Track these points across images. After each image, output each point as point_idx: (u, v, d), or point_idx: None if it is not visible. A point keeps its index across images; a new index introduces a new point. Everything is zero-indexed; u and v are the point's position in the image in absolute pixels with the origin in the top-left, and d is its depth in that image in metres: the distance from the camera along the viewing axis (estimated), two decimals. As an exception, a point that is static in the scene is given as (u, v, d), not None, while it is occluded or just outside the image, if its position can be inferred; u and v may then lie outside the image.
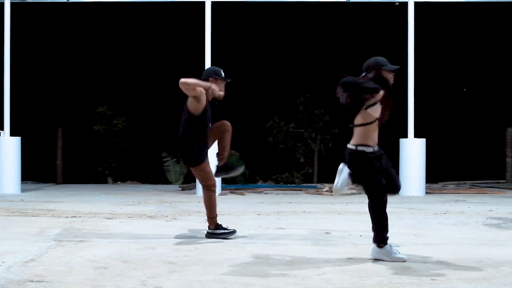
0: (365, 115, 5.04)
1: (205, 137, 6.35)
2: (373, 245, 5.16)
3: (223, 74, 6.45)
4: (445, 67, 18.51)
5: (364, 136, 5.05)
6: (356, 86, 4.95)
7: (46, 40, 18.40)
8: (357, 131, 5.09)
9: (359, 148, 5.06)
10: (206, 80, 6.36)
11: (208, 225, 6.44)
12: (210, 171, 6.39)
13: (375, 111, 5.05)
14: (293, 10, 17.18)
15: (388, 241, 5.14)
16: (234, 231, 6.39)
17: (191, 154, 6.28)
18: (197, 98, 6.18)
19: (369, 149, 5.05)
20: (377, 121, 5.11)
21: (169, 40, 18.20)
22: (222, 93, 6.40)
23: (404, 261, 5.04)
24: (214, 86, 6.27)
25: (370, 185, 5.09)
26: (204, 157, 6.32)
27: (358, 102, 5.02)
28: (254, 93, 17.88)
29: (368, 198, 5.15)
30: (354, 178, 5.21)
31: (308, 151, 17.30)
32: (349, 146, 5.14)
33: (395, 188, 5.26)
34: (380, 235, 5.12)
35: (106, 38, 18.62)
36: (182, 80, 6.04)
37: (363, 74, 5.16)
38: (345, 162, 5.24)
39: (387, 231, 5.13)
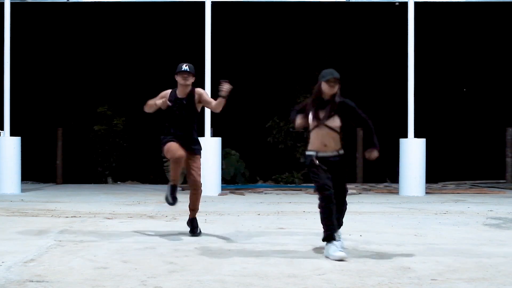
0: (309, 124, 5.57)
1: (171, 127, 6.68)
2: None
3: (182, 67, 6.69)
4: (445, 67, 18.50)
5: (310, 141, 5.55)
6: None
7: (46, 40, 18.39)
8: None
9: (306, 152, 5.59)
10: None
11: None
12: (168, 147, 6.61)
13: (312, 121, 5.51)
14: (293, 10, 17.17)
15: (335, 240, 5.33)
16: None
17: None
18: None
19: (310, 153, 5.52)
20: (317, 128, 5.45)
21: (169, 40, 18.19)
22: (160, 102, 6.66)
23: (342, 260, 5.12)
24: (158, 101, 6.66)
25: (315, 186, 5.49)
26: (165, 141, 6.66)
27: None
28: (254, 93, 17.88)
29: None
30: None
31: (308, 151, 17.29)
32: None
33: (341, 202, 5.53)
34: (324, 233, 5.41)
35: (106, 38, 18.61)
36: (145, 108, 6.83)
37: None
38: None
39: (332, 231, 5.35)
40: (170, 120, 6.70)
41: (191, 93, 6.71)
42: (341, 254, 5.18)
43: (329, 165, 5.45)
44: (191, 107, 6.70)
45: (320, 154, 5.45)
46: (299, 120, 5.53)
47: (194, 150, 6.70)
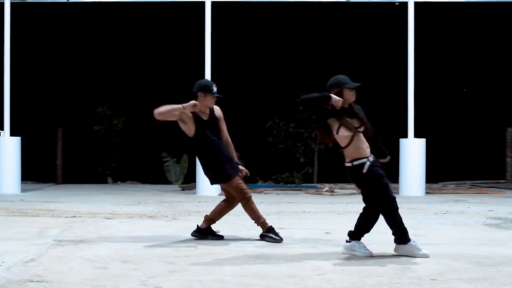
0: (341, 138, 5.28)
1: (218, 152, 6.19)
2: (397, 245, 5.36)
3: (215, 89, 6.24)
4: (445, 67, 18.50)
5: (353, 151, 5.27)
6: (307, 100, 5.25)
7: (46, 40, 18.40)
8: (345, 151, 5.32)
9: (355, 163, 5.27)
10: (195, 94, 6.23)
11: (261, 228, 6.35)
12: (240, 182, 6.23)
13: (345, 131, 5.26)
14: (293, 10, 17.18)
15: (411, 238, 5.35)
16: (281, 240, 6.19)
17: (217, 172, 6.21)
18: (181, 120, 6.15)
19: (364, 160, 5.25)
20: (359, 135, 5.29)
21: (169, 40, 18.19)
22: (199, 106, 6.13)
23: (428, 257, 5.22)
24: (188, 105, 6.04)
25: (378, 193, 5.29)
26: (231, 172, 6.18)
27: (324, 127, 5.30)
28: (254, 93, 17.88)
29: (380, 206, 5.33)
30: (364, 192, 5.42)
31: (308, 151, 17.30)
32: (346, 164, 5.36)
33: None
34: (400, 234, 5.32)
35: (106, 38, 18.61)
36: (155, 112, 6.01)
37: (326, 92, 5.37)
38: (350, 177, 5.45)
39: (405, 229, 5.34)
40: (207, 147, 6.17)
41: (212, 112, 6.30)
42: (426, 252, 5.27)
43: None
44: (217, 127, 6.33)
45: (371, 159, 5.30)
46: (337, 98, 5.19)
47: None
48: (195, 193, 12.58)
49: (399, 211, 5.40)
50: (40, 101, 18.54)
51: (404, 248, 5.31)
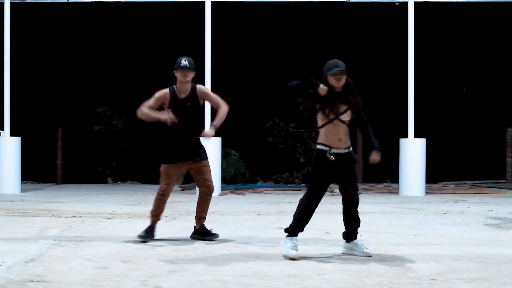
0: (320, 118, 5.33)
1: (174, 134, 6.22)
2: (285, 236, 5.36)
3: (181, 63, 6.15)
4: (445, 67, 18.50)
5: (322, 136, 5.33)
6: (292, 89, 5.29)
7: (46, 40, 18.40)
8: (319, 131, 5.39)
9: (318, 146, 5.34)
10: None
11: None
12: (166, 172, 6.31)
13: (321, 118, 5.30)
14: (293, 10, 17.18)
15: (294, 237, 5.33)
16: (145, 241, 6.16)
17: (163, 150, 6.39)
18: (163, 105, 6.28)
19: (326, 148, 5.28)
20: (337, 123, 5.26)
21: (169, 40, 18.19)
22: (166, 117, 6.11)
23: (294, 259, 5.15)
24: (163, 117, 6.10)
25: (309, 182, 5.33)
26: (166, 158, 6.30)
27: (312, 105, 5.37)
28: (254, 93, 17.88)
29: (307, 191, 5.37)
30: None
31: (308, 151, 17.30)
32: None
33: (352, 198, 5.38)
34: (291, 226, 5.34)
35: (106, 38, 18.61)
36: (138, 114, 6.22)
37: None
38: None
39: (298, 229, 5.34)
40: (173, 126, 6.14)
41: (193, 92, 6.22)
42: (295, 253, 5.19)
43: (341, 162, 5.27)
44: (195, 108, 6.24)
45: (334, 150, 5.24)
46: (323, 86, 5.17)
47: (202, 155, 6.29)
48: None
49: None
50: (40, 101, 18.54)
51: (285, 240, 5.30)
